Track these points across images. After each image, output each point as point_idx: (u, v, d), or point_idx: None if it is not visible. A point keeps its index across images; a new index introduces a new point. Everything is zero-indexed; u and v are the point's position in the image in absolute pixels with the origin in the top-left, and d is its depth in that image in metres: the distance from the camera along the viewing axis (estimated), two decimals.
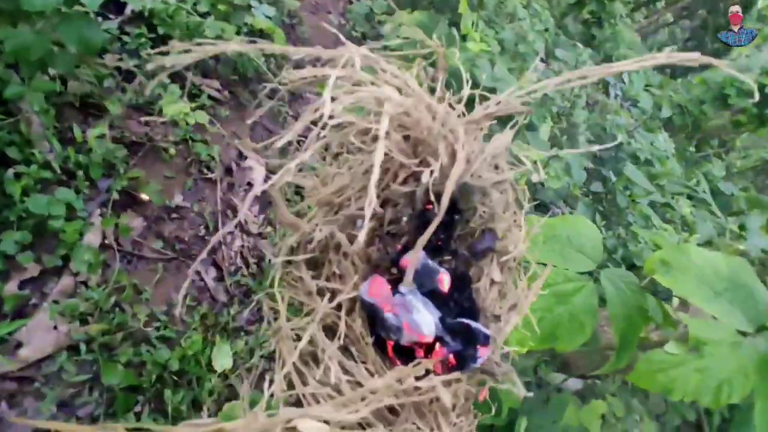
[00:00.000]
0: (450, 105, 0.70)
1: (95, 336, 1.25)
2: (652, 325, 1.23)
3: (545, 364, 2.04)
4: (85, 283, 1.31)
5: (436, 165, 0.60)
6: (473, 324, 0.60)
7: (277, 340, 0.61)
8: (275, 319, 0.63)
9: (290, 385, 0.57)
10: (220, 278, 1.62)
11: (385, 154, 0.63)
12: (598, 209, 3.04)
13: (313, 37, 2.66)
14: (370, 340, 0.62)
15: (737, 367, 0.79)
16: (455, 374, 0.58)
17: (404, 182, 0.67)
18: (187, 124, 1.60)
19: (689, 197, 4.14)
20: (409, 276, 0.60)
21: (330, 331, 0.62)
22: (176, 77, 1.80)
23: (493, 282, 0.69)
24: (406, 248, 0.67)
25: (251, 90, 2.07)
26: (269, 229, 1.80)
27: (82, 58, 1.35)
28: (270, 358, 1.67)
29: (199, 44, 0.48)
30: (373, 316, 0.62)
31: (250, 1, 1.98)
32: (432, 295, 0.63)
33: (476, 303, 0.66)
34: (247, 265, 1.72)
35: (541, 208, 2.92)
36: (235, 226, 1.75)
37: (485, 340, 0.59)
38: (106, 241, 1.38)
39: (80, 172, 1.38)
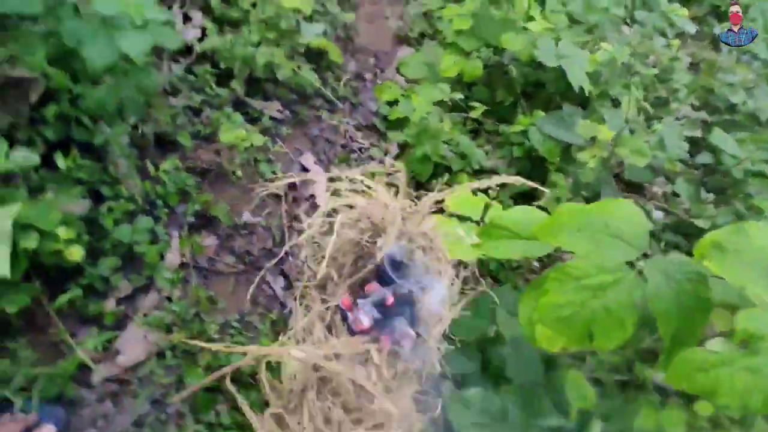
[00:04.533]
0: (412, 199, 1.51)
1: (178, 343, 1.42)
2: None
3: (640, 360, 1.86)
4: (168, 298, 1.50)
5: (382, 240, 1.30)
6: (406, 328, 1.20)
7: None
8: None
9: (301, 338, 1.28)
10: (288, 286, 1.74)
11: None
12: (706, 183, 2.69)
13: (371, 44, 2.72)
14: (344, 327, 1.29)
15: None
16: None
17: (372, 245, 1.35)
18: (248, 147, 1.75)
19: None
20: (370, 297, 1.28)
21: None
22: (239, 105, 1.97)
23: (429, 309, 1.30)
24: (369, 281, 1.37)
25: (311, 105, 2.19)
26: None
27: (150, 102, 1.55)
28: None
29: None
30: (342, 315, 1.29)
31: (300, 23, 2.10)
32: (384, 307, 1.23)
33: (415, 315, 1.24)
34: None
35: (632, 188, 2.66)
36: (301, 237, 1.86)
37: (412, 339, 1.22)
38: (184, 260, 1.57)
39: (159, 201, 1.59)
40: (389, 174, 1.54)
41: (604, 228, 0.96)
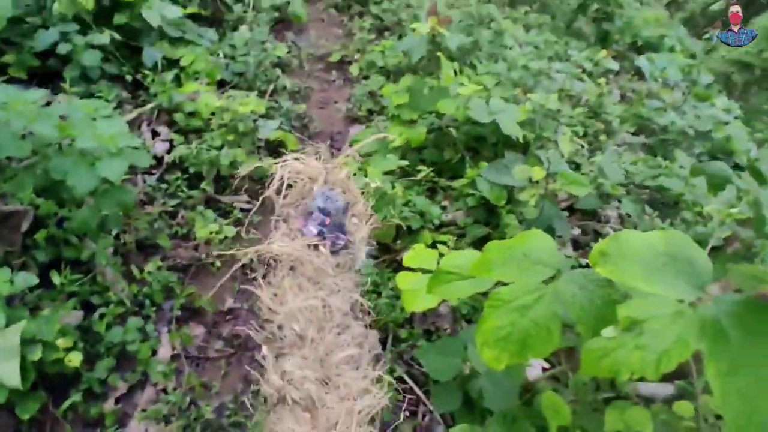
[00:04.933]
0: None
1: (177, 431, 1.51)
2: None
3: None
4: (164, 390, 1.60)
5: (315, 185, 2.11)
6: (342, 234, 2.06)
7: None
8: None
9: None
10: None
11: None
12: (657, 199, 2.95)
13: (326, 127, 3.00)
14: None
15: (676, 338, 0.82)
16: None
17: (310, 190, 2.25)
18: (223, 239, 1.93)
19: None
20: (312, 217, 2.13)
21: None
22: (211, 202, 2.17)
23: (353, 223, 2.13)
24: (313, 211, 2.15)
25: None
26: None
27: (129, 213, 1.74)
28: None
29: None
30: (301, 233, 2.06)
31: (257, 121, 2.36)
32: (325, 225, 2.04)
33: (344, 228, 2.08)
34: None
35: (588, 216, 2.89)
36: None
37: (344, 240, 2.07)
38: (175, 352, 1.68)
39: (147, 301, 1.73)
40: (317, 152, 2.40)
41: (524, 257, 1.14)
